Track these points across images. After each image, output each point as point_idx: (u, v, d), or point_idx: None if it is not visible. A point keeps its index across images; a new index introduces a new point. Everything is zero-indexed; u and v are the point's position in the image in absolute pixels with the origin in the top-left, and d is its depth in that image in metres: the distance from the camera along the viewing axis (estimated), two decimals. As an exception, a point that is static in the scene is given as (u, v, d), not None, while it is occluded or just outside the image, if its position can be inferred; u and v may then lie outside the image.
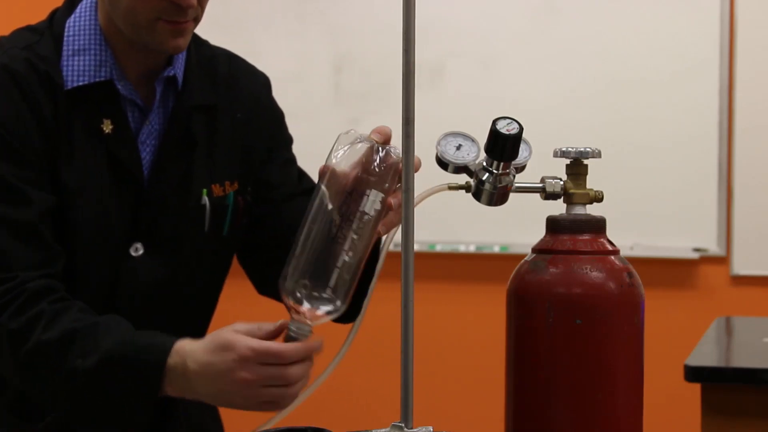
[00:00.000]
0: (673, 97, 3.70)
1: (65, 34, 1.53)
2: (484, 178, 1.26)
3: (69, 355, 1.37)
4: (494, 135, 1.25)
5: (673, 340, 3.36)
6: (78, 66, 1.51)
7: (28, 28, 1.56)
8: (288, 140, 1.72)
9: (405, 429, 1.12)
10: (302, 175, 1.71)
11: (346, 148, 1.30)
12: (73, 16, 1.54)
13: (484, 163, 1.26)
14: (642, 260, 3.58)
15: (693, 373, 2.01)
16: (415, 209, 1.14)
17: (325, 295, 1.27)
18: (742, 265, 3.69)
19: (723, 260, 3.71)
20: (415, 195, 1.14)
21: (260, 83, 1.70)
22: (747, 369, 2.07)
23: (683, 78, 3.69)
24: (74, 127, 1.50)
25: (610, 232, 1.22)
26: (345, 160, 1.29)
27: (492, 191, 1.26)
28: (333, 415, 3.94)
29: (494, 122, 1.27)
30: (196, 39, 1.64)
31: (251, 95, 1.66)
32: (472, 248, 3.87)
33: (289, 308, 1.29)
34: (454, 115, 3.73)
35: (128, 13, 1.48)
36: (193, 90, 1.58)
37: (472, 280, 3.90)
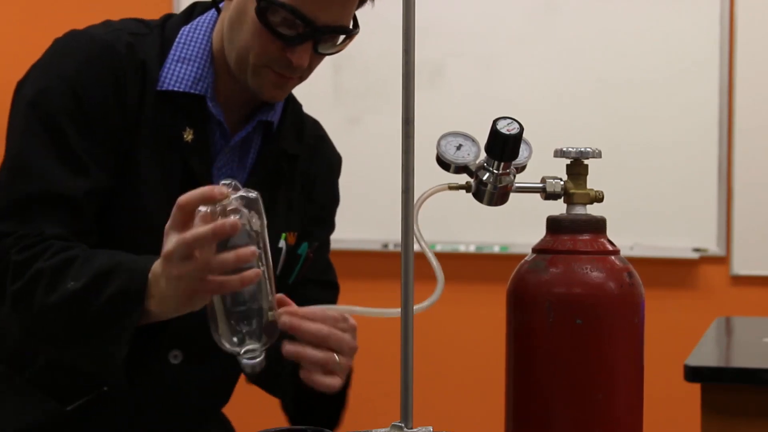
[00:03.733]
0: (673, 97, 3.70)
1: (177, 40, 1.55)
2: (485, 178, 1.26)
3: (64, 278, 1.36)
4: (494, 135, 1.25)
5: (673, 340, 3.37)
6: (178, 72, 1.52)
7: (141, 20, 1.59)
8: (332, 227, 1.75)
9: (405, 429, 1.12)
10: (329, 266, 1.74)
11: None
12: (189, 25, 1.56)
13: (485, 163, 1.26)
14: (642, 260, 3.58)
15: (693, 373, 2.01)
16: (415, 209, 1.14)
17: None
18: (742, 265, 3.69)
19: (723, 260, 3.71)
20: (415, 195, 1.14)
21: (335, 161, 1.75)
22: (747, 369, 2.06)
23: (683, 78, 3.69)
24: (159, 125, 1.51)
25: (610, 232, 1.22)
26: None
27: (492, 191, 1.26)
28: (333, 415, 3.94)
29: (494, 122, 1.27)
30: (293, 96, 1.68)
31: (325, 167, 1.71)
32: (472, 248, 3.87)
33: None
34: (454, 115, 3.73)
35: (242, 49, 1.50)
36: (286, 136, 1.61)
37: (472, 280, 3.90)
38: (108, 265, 1.35)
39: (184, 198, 1.24)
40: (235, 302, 1.25)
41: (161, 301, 1.31)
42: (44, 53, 1.53)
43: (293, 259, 1.64)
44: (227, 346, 1.25)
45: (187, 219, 1.23)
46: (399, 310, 1.15)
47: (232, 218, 1.22)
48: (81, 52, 1.49)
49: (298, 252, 1.65)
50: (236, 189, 1.25)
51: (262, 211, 1.25)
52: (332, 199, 1.75)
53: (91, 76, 1.47)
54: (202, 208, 1.23)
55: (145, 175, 1.50)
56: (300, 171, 1.65)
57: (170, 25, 1.57)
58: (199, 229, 1.22)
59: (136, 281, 1.32)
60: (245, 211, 1.23)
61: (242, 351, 1.25)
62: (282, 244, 1.62)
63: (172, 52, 1.53)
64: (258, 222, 1.25)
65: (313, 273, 1.69)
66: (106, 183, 1.48)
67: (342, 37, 1.54)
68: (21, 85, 1.52)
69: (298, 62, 1.49)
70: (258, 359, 1.26)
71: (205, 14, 1.58)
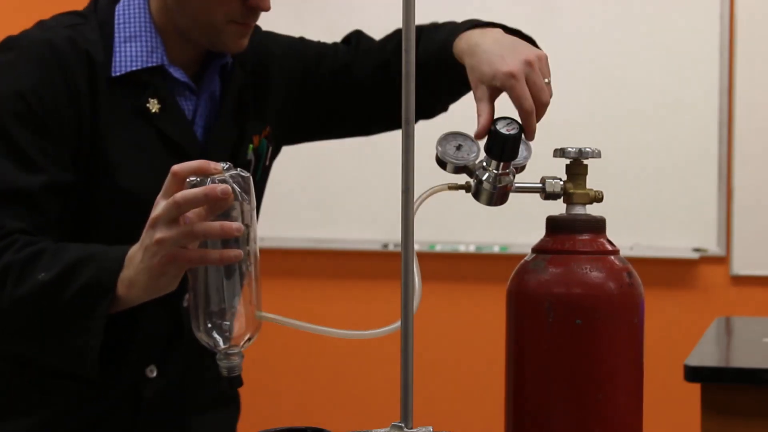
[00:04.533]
0: (673, 98, 3.70)
1: (116, 21, 1.55)
2: (484, 178, 1.26)
3: (33, 271, 1.35)
4: (494, 135, 1.25)
5: (673, 340, 3.37)
6: (129, 52, 1.53)
7: (72, 12, 1.59)
8: (317, 45, 1.75)
9: (405, 429, 1.12)
10: (334, 44, 1.76)
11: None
12: (121, 3, 1.57)
13: (484, 163, 1.26)
14: (642, 260, 3.58)
15: (693, 373, 2.01)
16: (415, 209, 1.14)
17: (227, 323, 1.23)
18: (741, 265, 3.69)
19: (723, 260, 3.71)
20: (415, 195, 1.14)
21: (256, 33, 1.71)
22: (747, 369, 2.07)
23: (683, 78, 3.69)
24: (118, 106, 1.51)
25: (610, 232, 1.22)
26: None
27: (492, 191, 1.26)
28: (333, 415, 3.95)
29: (494, 122, 1.27)
30: None
31: (252, 46, 1.68)
32: (472, 248, 3.87)
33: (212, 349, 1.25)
34: (454, 115, 3.73)
35: (200, 14, 1.51)
36: (237, 70, 1.63)
37: (472, 280, 3.90)
38: (79, 256, 1.35)
39: (177, 166, 1.24)
40: (215, 301, 1.23)
41: (130, 282, 1.30)
42: None
43: (258, 158, 1.66)
44: (206, 342, 1.22)
45: (179, 188, 1.23)
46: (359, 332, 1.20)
47: (224, 185, 1.21)
48: (22, 56, 1.49)
49: (260, 150, 1.65)
50: (228, 171, 1.24)
51: (253, 194, 1.24)
52: (290, 56, 1.73)
53: (36, 78, 1.48)
54: (192, 179, 1.22)
55: (118, 158, 1.50)
56: (260, 89, 1.66)
57: (101, 7, 1.57)
58: (190, 190, 1.22)
59: (109, 269, 1.32)
60: (238, 189, 1.22)
61: (221, 350, 1.23)
62: (250, 155, 1.63)
63: (116, 34, 1.54)
64: (249, 207, 1.23)
65: (347, 54, 1.73)
66: (67, 179, 1.47)
67: None
68: None
69: (265, 5, 1.51)
70: (236, 362, 1.23)
71: None
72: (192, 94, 1.58)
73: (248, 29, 1.55)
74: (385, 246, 3.93)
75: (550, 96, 1.38)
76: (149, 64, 1.53)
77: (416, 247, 1.13)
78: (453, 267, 3.92)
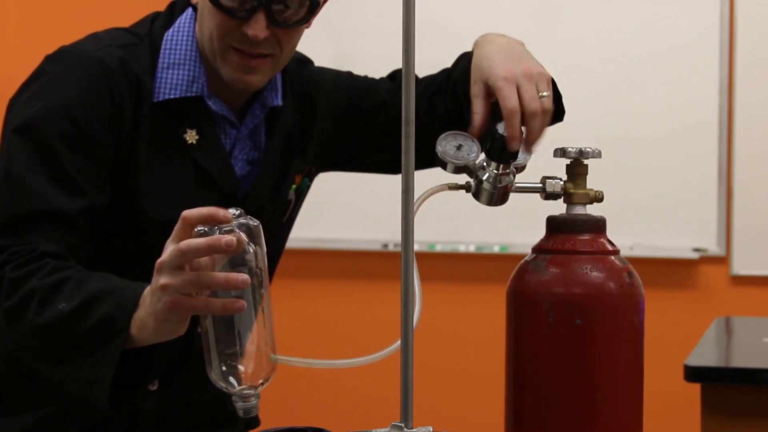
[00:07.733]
0: (673, 97, 3.70)
1: (163, 46, 1.54)
2: (484, 178, 1.26)
3: (55, 299, 1.35)
4: (493, 137, 1.25)
5: (673, 340, 3.37)
6: (171, 79, 1.52)
7: (128, 30, 1.58)
8: (364, 80, 1.75)
9: (405, 429, 1.12)
10: (380, 80, 1.75)
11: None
12: (172, 29, 1.56)
13: (484, 163, 1.27)
14: (642, 260, 3.58)
15: (693, 373, 2.01)
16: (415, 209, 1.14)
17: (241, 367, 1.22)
18: (741, 265, 3.69)
19: (723, 260, 3.71)
20: (415, 196, 1.14)
21: (306, 69, 1.72)
22: (747, 369, 2.07)
23: (683, 78, 3.69)
24: (157, 133, 1.51)
25: (610, 232, 1.22)
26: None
27: (492, 191, 1.26)
28: (333, 415, 3.95)
29: (493, 124, 1.27)
30: (301, 58, 1.70)
31: (303, 85, 1.68)
32: (472, 248, 3.87)
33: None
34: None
35: (208, 38, 1.51)
36: (287, 109, 1.62)
37: (472, 280, 3.90)
38: (100, 289, 1.35)
39: (187, 212, 1.23)
40: (229, 343, 1.22)
41: (142, 324, 1.30)
42: (36, 71, 1.51)
43: (298, 197, 1.67)
44: (221, 385, 1.22)
45: (187, 234, 1.23)
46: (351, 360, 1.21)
47: (229, 236, 1.20)
48: (74, 72, 1.48)
49: (300, 188, 1.66)
50: (238, 218, 1.23)
51: (263, 241, 1.23)
52: (336, 90, 1.72)
53: (85, 97, 1.47)
54: (200, 228, 1.21)
55: (148, 185, 1.50)
56: (306, 128, 1.66)
57: (155, 30, 1.56)
58: (194, 239, 1.21)
59: (124, 307, 1.31)
60: (243, 236, 1.21)
61: (236, 393, 1.22)
62: (291, 195, 1.63)
63: (161, 60, 1.53)
64: (260, 251, 1.22)
65: (385, 92, 1.71)
66: (103, 202, 1.48)
67: (300, 5, 1.50)
68: (13, 103, 1.51)
69: (252, 34, 1.46)
70: (253, 404, 1.22)
71: (184, 14, 1.57)
72: (232, 128, 1.57)
73: (247, 60, 1.49)
74: (385, 246, 3.92)
75: (547, 111, 1.37)
76: (188, 94, 1.52)
77: (416, 247, 1.13)
78: (453, 267, 3.92)
